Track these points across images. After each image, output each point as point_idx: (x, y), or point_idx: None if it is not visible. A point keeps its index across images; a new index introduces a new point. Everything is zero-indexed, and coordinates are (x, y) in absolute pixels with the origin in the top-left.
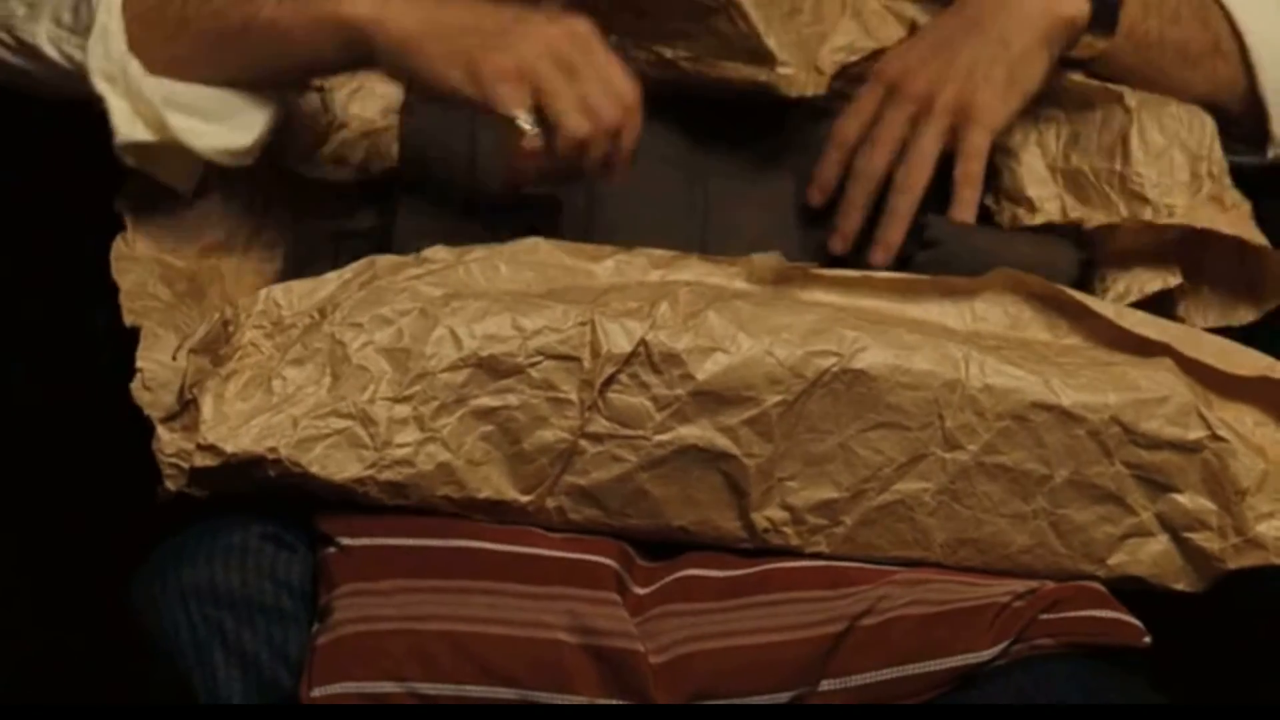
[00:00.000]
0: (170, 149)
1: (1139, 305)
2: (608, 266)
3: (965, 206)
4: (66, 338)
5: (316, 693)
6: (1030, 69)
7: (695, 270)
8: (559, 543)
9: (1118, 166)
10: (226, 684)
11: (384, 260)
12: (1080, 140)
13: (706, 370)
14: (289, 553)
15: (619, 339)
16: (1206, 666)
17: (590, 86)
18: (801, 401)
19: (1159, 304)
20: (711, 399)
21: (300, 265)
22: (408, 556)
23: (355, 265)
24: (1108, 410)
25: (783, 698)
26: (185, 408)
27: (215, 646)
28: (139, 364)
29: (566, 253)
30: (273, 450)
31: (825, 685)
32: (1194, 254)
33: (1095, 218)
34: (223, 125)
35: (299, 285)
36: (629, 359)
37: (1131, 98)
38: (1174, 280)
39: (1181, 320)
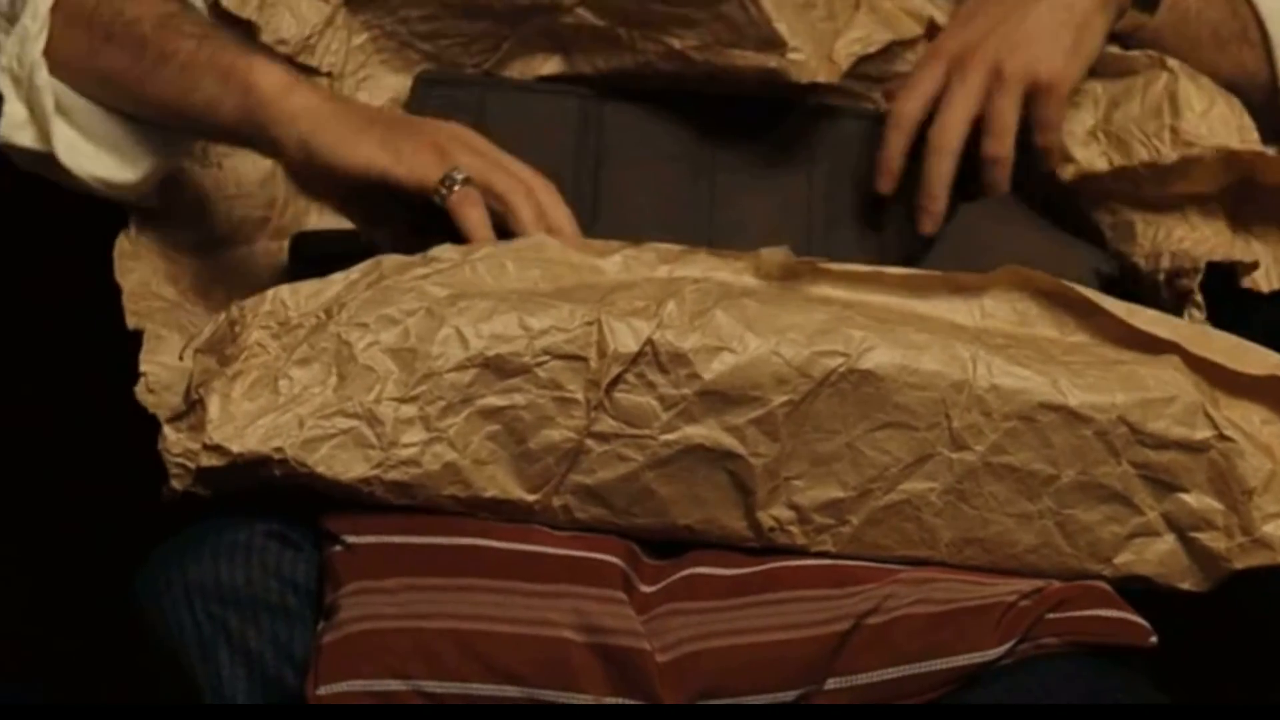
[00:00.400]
0: (56, 162)
1: (1218, 266)
2: (615, 262)
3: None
4: (71, 335)
5: (322, 691)
6: (1092, 34)
7: (703, 265)
8: (565, 541)
9: (1167, 120)
10: (231, 682)
11: (390, 260)
12: (1122, 105)
13: (713, 370)
14: (294, 550)
15: (626, 339)
16: (1212, 666)
17: (501, 159)
18: (808, 401)
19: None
20: (718, 399)
21: (305, 260)
22: (413, 554)
23: (362, 265)
24: (1115, 410)
25: (788, 696)
26: (191, 408)
27: (220, 645)
28: (142, 368)
29: (573, 248)
30: (279, 450)
31: (831, 684)
32: (1244, 214)
33: (1140, 157)
34: (105, 151)
35: (306, 286)
36: (636, 358)
37: (1172, 61)
38: (1250, 256)
39: (1246, 286)
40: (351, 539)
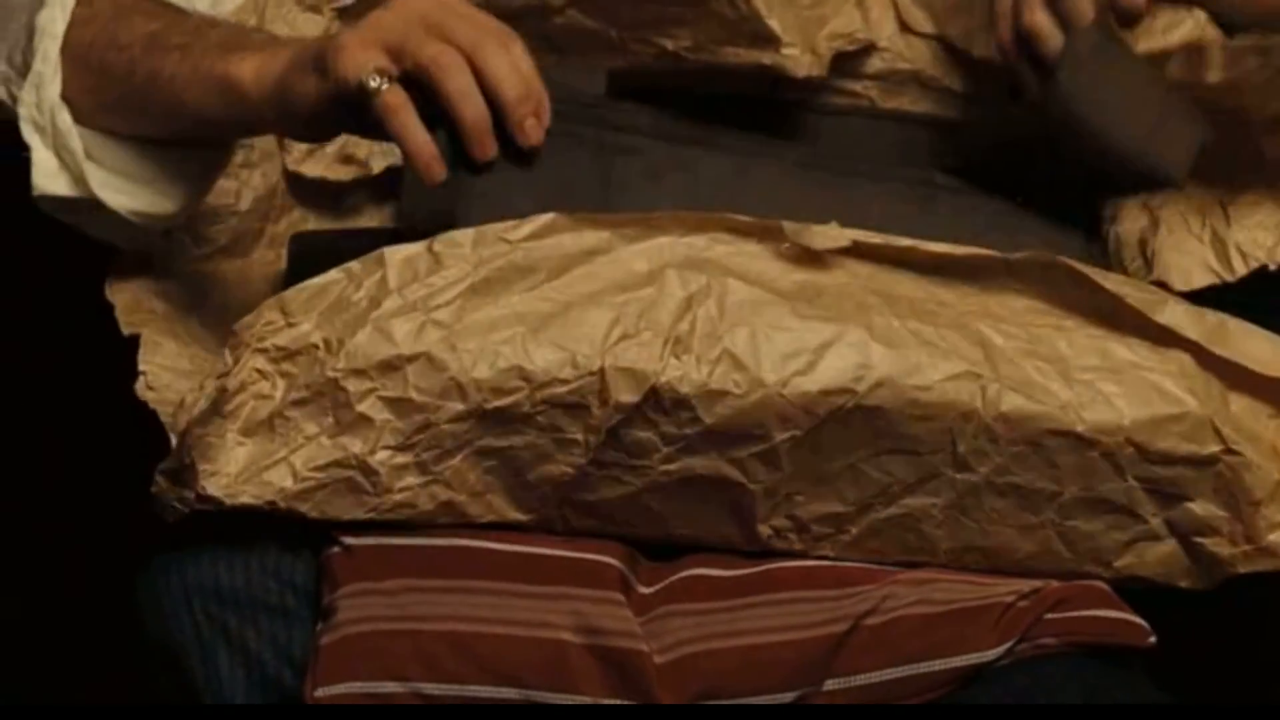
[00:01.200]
0: (89, 205)
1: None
2: (630, 240)
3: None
4: (71, 336)
5: (320, 693)
6: None
7: (723, 243)
8: (563, 542)
9: None
10: (230, 683)
11: (394, 256)
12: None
13: (716, 414)
14: (293, 551)
15: (629, 389)
16: (1211, 666)
17: (433, 16)
18: (813, 435)
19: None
20: (721, 437)
21: (303, 267)
22: (411, 556)
23: (365, 259)
24: (1122, 433)
25: (787, 697)
26: (184, 467)
27: (219, 646)
28: (141, 367)
29: (587, 225)
30: (271, 503)
31: (829, 685)
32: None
33: None
34: (143, 187)
35: (304, 289)
36: (638, 405)
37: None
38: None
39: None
40: (349, 540)
